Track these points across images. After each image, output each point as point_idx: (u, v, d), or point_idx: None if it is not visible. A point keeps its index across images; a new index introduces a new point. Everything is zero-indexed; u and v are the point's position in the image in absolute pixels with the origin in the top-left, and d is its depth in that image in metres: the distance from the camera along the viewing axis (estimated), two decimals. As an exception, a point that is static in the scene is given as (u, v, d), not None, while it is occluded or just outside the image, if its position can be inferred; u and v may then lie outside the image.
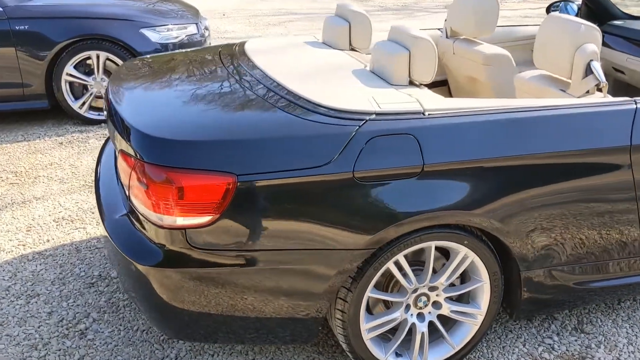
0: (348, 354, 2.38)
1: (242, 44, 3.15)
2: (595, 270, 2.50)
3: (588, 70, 2.54)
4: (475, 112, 2.25)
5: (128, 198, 2.24)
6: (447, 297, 2.41)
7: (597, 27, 2.59)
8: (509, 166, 2.24)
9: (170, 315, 2.19)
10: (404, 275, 2.30)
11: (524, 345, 2.66)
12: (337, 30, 3.16)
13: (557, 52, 2.63)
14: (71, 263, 3.28)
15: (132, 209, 2.25)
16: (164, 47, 5.37)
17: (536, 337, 2.71)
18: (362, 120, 2.14)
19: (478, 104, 2.29)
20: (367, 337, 2.33)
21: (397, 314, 2.36)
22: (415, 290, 2.35)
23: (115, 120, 2.42)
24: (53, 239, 3.51)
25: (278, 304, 2.18)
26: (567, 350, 2.64)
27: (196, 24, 5.78)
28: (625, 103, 2.42)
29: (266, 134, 2.10)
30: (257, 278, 2.12)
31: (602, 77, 2.51)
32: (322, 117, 2.15)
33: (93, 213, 3.80)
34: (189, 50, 3.32)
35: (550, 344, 2.67)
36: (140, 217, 2.16)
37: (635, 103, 2.43)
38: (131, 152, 2.16)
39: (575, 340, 2.70)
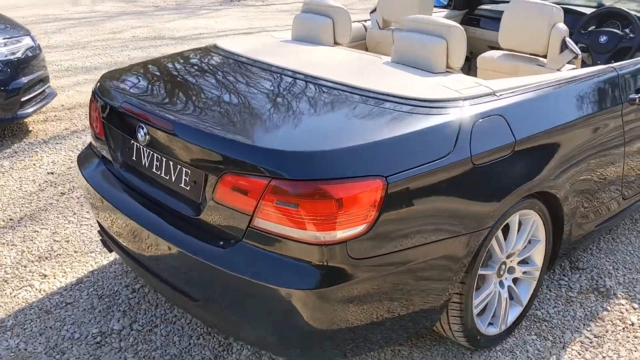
0: (455, 335, 2.43)
1: (220, 47, 2.93)
2: (601, 212, 2.93)
3: (563, 46, 2.93)
4: (530, 87, 2.46)
5: (250, 222, 1.97)
6: (519, 262, 2.61)
7: (555, 5, 2.99)
8: (564, 133, 2.50)
9: (318, 338, 2.02)
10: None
11: (550, 290, 3.00)
12: (319, 27, 3.09)
13: (531, 32, 2.96)
14: (51, 327, 2.71)
15: (251, 233, 1.99)
16: (5, 64, 4.57)
17: (552, 282, 3.07)
18: (458, 107, 2.20)
19: (527, 81, 2.50)
20: (475, 313, 2.42)
21: (492, 287, 2.49)
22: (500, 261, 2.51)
23: (191, 141, 2.08)
24: (1, 306, 2.84)
25: (419, 298, 2.15)
26: (581, 285, 3.05)
27: (29, 35, 5.02)
28: (610, 70, 2.86)
29: (393, 132, 2.03)
30: (407, 276, 2.07)
31: (578, 51, 2.92)
32: (425, 109, 2.16)
33: (25, 266, 3.15)
34: (168, 57, 2.99)
35: (566, 284, 3.05)
36: (280, 238, 1.93)
37: (615, 70, 2.88)
38: (257, 172, 1.91)
39: (579, 277, 3.12)
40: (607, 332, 2.73)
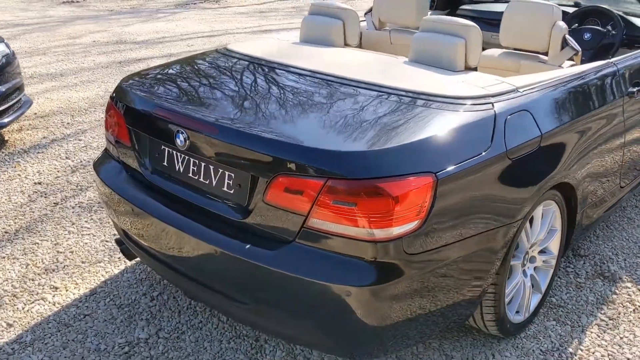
0: (488, 324, 2.50)
1: (235, 50, 2.92)
2: (605, 200, 3.07)
3: (564, 43, 3.06)
4: (548, 84, 2.56)
5: (304, 222, 1.99)
6: (540, 251, 2.71)
7: (555, 4, 3.12)
8: (579, 125, 2.62)
9: (370, 334, 2.05)
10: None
11: (560, 278, 3.12)
12: (329, 29, 3.12)
13: (532, 31, 3.08)
14: (74, 340, 2.64)
15: (305, 233, 2.00)
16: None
17: (560, 270, 3.19)
18: (489, 103, 2.28)
19: (543, 77, 2.60)
20: (506, 303, 2.50)
21: (519, 276, 2.58)
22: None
23: (240, 144, 2.08)
24: (16, 322, 2.76)
25: (461, 290, 2.21)
26: (587, 272, 3.18)
27: (3, 42, 4.86)
28: (611, 65, 3.00)
29: (437, 129, 2.08)
30: (453, 270, 2.13)
31: (578, 47, 3.05)
32: (460, 106, 2.22)
33: (33, 279, 3.06)
34: (180, 61, 2.96)
35: (573, 271, 3.18)
36: (335, 237, 1.96)
37: (615, 65, 3.02)
38: (313, 173, 1.94)
39: (584, 264, 3.26)
40: (619, 314, 2.86)
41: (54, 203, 3.89)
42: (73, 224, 3.62)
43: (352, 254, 1.96)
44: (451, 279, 2.14)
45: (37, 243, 3.40)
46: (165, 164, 2.39)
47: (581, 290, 3.03)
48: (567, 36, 3.04)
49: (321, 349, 2.21)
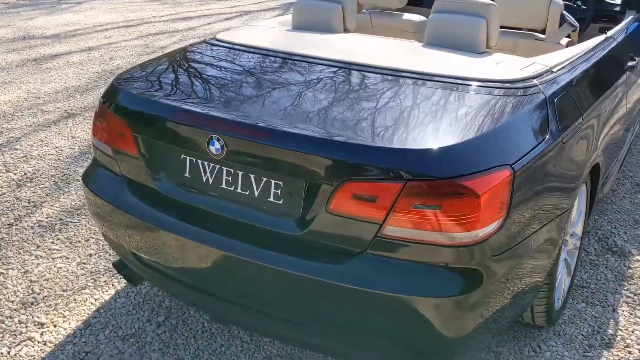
0: (537, 315, 2.41)
1: (232, 41, 2.63)
2: (610, 175, 3.07)
3: (562, 20, 3.00)
4: (575, 62, 2.48)
5: (378, 231, 1.78)
6: (570, 234, 2.64)
7: None
8: (605, 102, 2.57)
9: (452, 345, 1.89)
10: None
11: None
12: (328, 13, 2.86)
13: (530, 8, 3.00)
14: (83, 384, 2.30)
15: (379, 242, 1.79)
16: None
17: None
18: (536, 86, 2.15)
19: (566, 55, 2.51)
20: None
21: (562, 262, 2.50)
22: None
23: (298, 150, 1.83)
24: (6, 370, 2.37)
25: (531, 284, 2.09)
26: (595, 248, 3.18)
27: None
28: (611, 40, 2.97)
29: (503, 117, 1.94)
30: (527, 264, 2.00)
31: (576, 23, 3.01)
32: (513, 91, 2.10)
33: (11, 317, 2.65)
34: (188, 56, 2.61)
35: (582, 249, 3.16)
36: (414, 244, 1.76)
37: (614, 39, 3.01)
38: (388, 176, 1.73)
39: (589, 240, 3.25)
40: (641, 288, 2.87)
41: (8, 224, 3.41)
42: (38, 246, 3.19)
43: (434, 262, 1.77)
44: (525, 275, 2.01)
45: (3, 273, 2.96)
46: (187, 175, 2.09)
47: (597, 268, 3.01)
48: (565, 12, 2.98)
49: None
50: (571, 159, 2.19)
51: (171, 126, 2.05)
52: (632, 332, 2.58)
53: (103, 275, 2.94)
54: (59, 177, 3.98)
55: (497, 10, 2.51)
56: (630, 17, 3.52)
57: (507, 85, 2.11)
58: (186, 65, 2.48)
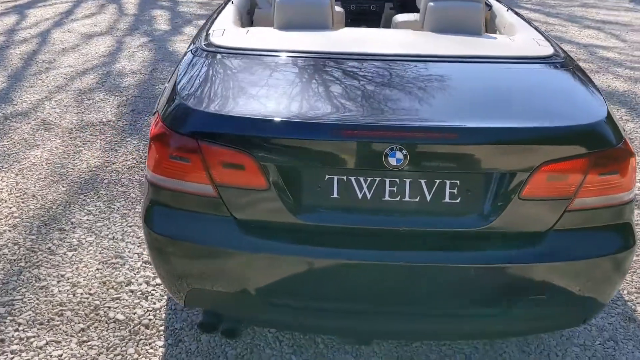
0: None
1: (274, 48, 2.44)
2: None
3: None
4: (547, 36, 2.71)
5: (567, 206, 1.95)
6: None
7: None
8: None
9: (610, 295, 2.11)
10: None
11: None
12: (320, 10, 2.74)
13: None
14: None
15: (567, 217, 1.96)
16: None
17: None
18: (567, 57, 2.44)
19: (529, 26, 2.85)
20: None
21: None
22: None
23: (498, 142, 1.91)
24: None
25: None
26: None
27: None
28: None
29: (588, 88, 2.23)
30: None
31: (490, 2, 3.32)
32: (563, 65, 2.35)
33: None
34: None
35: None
36: (599, 210, 1.99)
37: None
38: (583, 151, 1.91)
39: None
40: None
41: None
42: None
43: (609, 223, 2.01)
44: None
45: None
46: (335, 195, 1.96)
47: None
48: None
49: (563, 327, 2.33)
50: None
51: (322, 146, 1.91)
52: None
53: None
54: None
55: None
56: None
57: (559, 59, 2.37)
58: (253, 78, 2.21)
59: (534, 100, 2.11)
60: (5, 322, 2.62)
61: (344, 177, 1.94)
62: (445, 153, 1.90)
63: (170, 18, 8.60)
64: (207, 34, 2.61)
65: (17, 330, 2.58)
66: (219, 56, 2.37)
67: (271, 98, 2.08)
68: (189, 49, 2.57)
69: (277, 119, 1.94)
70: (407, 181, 1.93)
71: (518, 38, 2.65)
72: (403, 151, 1.85)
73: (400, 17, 3.26)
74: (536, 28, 2.87)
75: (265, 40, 2.54)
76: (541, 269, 1.95)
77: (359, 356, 2.45)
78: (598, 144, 1.92)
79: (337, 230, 1.98)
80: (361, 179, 1.94)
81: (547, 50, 2.45)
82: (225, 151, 1.93)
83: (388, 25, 4.18)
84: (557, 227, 1.96)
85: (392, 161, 1.86)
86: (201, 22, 8.27)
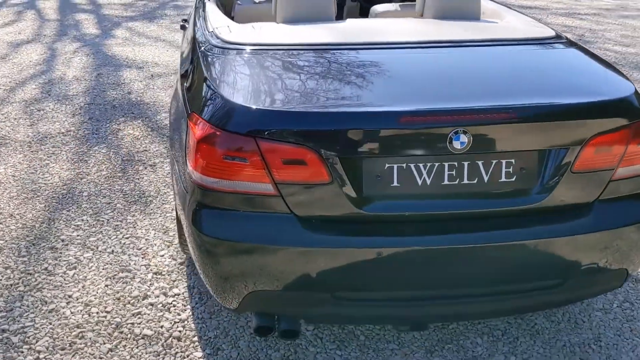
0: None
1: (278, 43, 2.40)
2: None
3: None
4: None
5: (611, 177, 2.04)
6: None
7: None
8: None
9: None
10: None
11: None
12: (321, 2, 2.71)
13: None
14: None
15: (610, 187, 2.05)
16: None
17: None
18: (564, 40, 2.54)
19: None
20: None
21: None
22: None
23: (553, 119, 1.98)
24: None
25: None
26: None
27: None
28: None
29: (603, 64, 2.36)
30: None
31: None
32: (569, 46, 2.46)
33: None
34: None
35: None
36: (633, 179, 2.09)
37: None
38: (626, 122, 2.01)
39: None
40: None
41: None
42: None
43: None
44: None
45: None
46: (396, 184, 1.94)
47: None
48: None
49: (609, 290, 2.36)
50: None
51: (385, 134, 1.92)
52: None
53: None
54: None
55: None
56: None
57: (564, 40, 2.49)
58: (291, 73, 2.18)
59: (568, 78, 2.23)
60: (22, 352, 2.43)
61: (404, 165, 1.93)
62: (505, 133, 1.94)
63: (97, 21, 8.21)
64: (214, 33, 2.50)
65: (37, 358, 2.40)
66: (244, 53, 2.28)
67: (319, 91, 2.04)
68: (199, 50, 2.45)
69: (339, 111, 1.93)
70: (465, 164, 1.95)
71: (512, 22, 2.74)
72: (467, 134, 1.88)
73: (380, 8, 3.25)
74: (518, 11, 2.97)
75: (283, 35, 2.47)
76: (591, 237, 2.03)
77: (402, 344, 2.47)
78: (638, 114, 2.04)
79: (401, 218, 1.98)
80: (421, 165, 1.94)
81: (548, 31, 2.55)
82: (286, 148, 1.88)
83: (352, 16, 4.17)
84: (602, 197, 2.05)
85: (457, 145, 1.88)
86: (131, 24, 8.01)
